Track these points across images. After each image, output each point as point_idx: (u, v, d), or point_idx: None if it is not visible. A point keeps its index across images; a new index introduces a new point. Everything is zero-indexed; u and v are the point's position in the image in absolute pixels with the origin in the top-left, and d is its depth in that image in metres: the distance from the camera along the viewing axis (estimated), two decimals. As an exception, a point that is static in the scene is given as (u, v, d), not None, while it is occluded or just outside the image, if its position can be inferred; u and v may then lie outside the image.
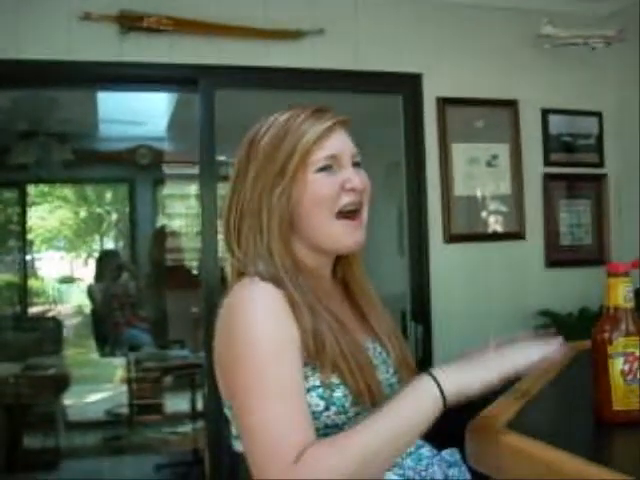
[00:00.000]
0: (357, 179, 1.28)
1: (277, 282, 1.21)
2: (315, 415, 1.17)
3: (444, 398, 1.12)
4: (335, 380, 1.19)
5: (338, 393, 1.19)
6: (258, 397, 1.12)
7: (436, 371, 1.15)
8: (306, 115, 1.29)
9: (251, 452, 1.12)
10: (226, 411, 1.30)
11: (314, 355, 1.18)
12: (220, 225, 1.36)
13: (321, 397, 1.19)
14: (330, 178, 1.27)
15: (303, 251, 1.31)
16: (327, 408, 1.19)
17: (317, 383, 1.19)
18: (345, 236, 1.28)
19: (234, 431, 1.28)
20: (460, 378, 1.14)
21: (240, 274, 1.28)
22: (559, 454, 1.03)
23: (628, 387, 1.16)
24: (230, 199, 1.32)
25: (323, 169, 1.26)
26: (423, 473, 1.27)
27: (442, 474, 1.29)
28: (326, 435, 1.17)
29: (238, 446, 1.27)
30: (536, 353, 1.18)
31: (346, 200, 1.27)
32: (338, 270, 1.40)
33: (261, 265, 1.24)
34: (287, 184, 1.25)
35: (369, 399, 1.21)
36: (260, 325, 1.16)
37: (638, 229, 3.52)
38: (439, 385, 1.13)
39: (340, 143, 1.29)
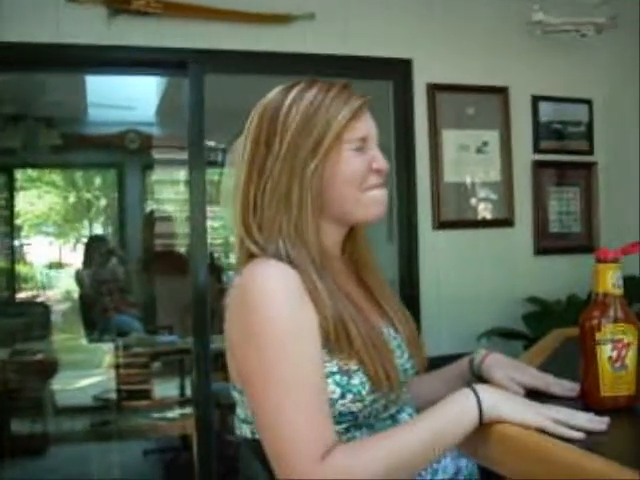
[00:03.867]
0: (383, 160, 1.31)
1: (297, 265, 1.19)
2: (330, 403, 1.15)
3: (481, 416, 1.11)
4: (354, 366, 1.18)
5: (355, 380, 1.18)
6: (279, 387, 1.10)
7: (479, 387, 1.15)
8: (335, 92, 1.27)
9: (274, 446, 1.10)
10: (234, 394, 1.28)
11: (334, 341, 1.17)
12: (233, 205, 1.32)
13: (338, 384, 1.17)
14: (360, 157, 1.28)
15: (323, 229, 1.29)
16: (343, 396, 1.17)
17: (335, 369, 1.17)
18: (374, 205, 1.31)
19: (241, 414, 1.26)
20: (503, 406, 1.11)
21: (251, 256, 1.25)
22: (548, 441, 1.03)
23: (616, 374, 1.16)
24: (247, 179, 1.28)
25: (355, 149, 1.27)
26: (435, 465, 1.27)
27: (454, 465, 1.30)
28: (339, 423, 1.16)
29: (245, 430, 1.25)
30: (583, 423, 1.08)
31: (373, 180, 1.30)
32: (346, 247, 1.39)
33: (284, 247, 1.21)
34: (320, 161, 1.24)
35: (387, 386, 1.20)
36: (279, 308, 1.13)
37: (626, 217, 3.54)
38: (480, 403, 1.11)
39: (369, 124, 1.32)
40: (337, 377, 1.17)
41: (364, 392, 1.18)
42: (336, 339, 1.17)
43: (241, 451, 1.29)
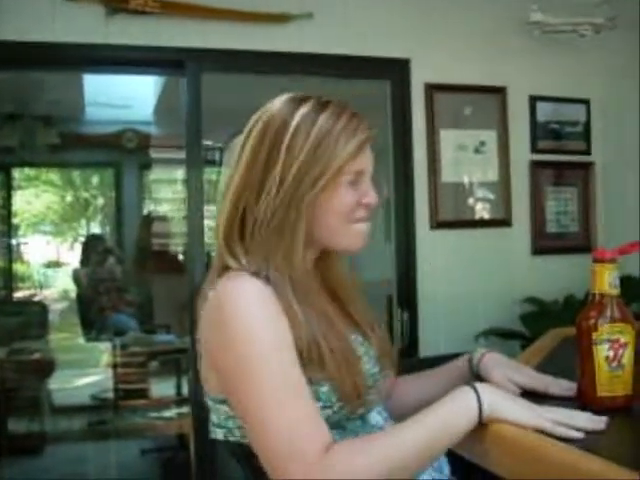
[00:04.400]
0: (374, 195, 1.31)
1: (274, 285, 1.20)
2: None
3: (481, 414, 1.11)
4: (321, 375, 1.18)
5: (324, 388, 1.19)
6: (272, 390, 1.10)
7: (480, 386, 1.15)
8: (345, 121, 1.26)
9: (268, 450, 1.10)
10: (208, 402, 1.29)
11: (307, 360, 1.17)
12: (216, 212, 1.33)
13: None
14: (352, 191, 1.28)
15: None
16: None
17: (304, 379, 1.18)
18: (357, 237, 1.32)
19: (215, 419, 1.28)
20: (503, 406, 1.12)
21: (225, 268, 1.26)
22: (545, 442, 1.03)
23: (612, 373, 1.17)
24: (239, 190, 1.27)
25: (350, 182, 1.27)
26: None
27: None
28: None
29: (218, 434, 1.27)
30: (582, 423, 1.08)
31: (361, 214, 1.31)
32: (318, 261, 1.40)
33: (265, 268, 1.22)
34: (316, 193, 1.24)
35: (355, 398, 1.21)
36: (256, 317, 1.15)
37: (624, 217, 3.54)
38: (480, 402, 1.11)
39: (368, 159, 1.32)
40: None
41: (333, 399, 1.20)
42: (309, 358, 1.18)
43: (218, 451, 1.31)
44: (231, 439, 1.24)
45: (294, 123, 1.25)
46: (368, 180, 1.32)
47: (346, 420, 1.24)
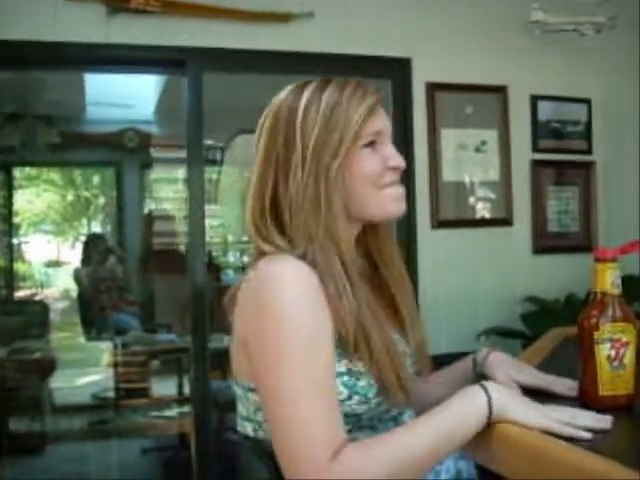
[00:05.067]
0: (398, 157, 1.30)
1: (322, 269, 1.17)
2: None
3: (490, 414, 1.10)
4: (361, 369, 1.17)
5: (363, 382, 1.18)
6: (292, 386, 1.09)
7: (489, 385, 1.14)
8: (351, 90, 1.26)
9: (284, 446, 1.09)
10: (237, 390, 1.27)
11: (353, 346, 1.16)
12: (244, 204, 1.30)
13: (345, 385, 1.17)
14: (375, 155, 1.27)
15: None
16: (350, 397, 1.17)
17: (343, 370, 1.17)
18: (392, 202, 1.30)
19: (243, 411, 1.26)
20: (511, 404, 1.11)
21: (262, 254, 1.24)
22: (550, 442, 1.03)
23: (614, 373, 1.16)
24: (261, 178, 1.26)
25: (369, 144, 1.26)
26: (437, 467, 1.27)
27: (455, 467, 1.30)
28: (346, 425, 1.15)
29: (247, 428, 1.25)
30: (588, 422, 1.08)
31: (389, 179, 1.29)
32: (362, 246, 1.38)
33: (312, 251, 1.19)
34: (342, 161, 1.22)
35: (397, 392, 1.20)
36: (294, 307, 1.12)
37: (625, 216, 3.54)
38: (489, 399, 1.11)
39: (384, 119, 1.30)
40: (345, 378, 1.17)
41: (370, 395, 1.18)
42: (355, 344, 1.16)
43: (241, 448, 1.29)
44: (259, 435, 1.21)
45: (302, 104, 1.25)
46: (389, 142, 1.30)
47: (379, 420, 1.23)
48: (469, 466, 1.34)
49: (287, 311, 1.11)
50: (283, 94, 1.30)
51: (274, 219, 1.25)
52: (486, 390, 1.12)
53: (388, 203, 1.29)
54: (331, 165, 1.22)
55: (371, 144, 1.27)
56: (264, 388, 1.13)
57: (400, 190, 1.31)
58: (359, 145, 1.25)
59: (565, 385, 1.27)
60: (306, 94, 1.26)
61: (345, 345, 1.16)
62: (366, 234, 1.37)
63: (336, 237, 1.21)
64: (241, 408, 1.27)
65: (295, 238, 1.22)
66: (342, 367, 1.17)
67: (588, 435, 1.04)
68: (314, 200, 1.21)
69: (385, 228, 1.40)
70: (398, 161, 1.29)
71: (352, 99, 1.25)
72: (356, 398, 1.17)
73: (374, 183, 1.27)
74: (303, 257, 1.18)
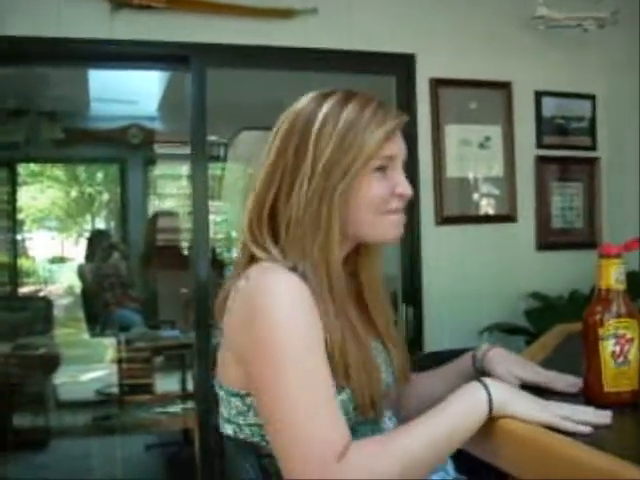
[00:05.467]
0: (407, 185, 1.29)
1: (310, 283, 1.18)
2: None
3: (491, 410, 1.11)
4: (341, 383, 1.18)
5: (343, 396, 1.18)
6: (296, 392, 1.09)
7: (489, 381, 1.14)
8: (372, 111, 1.24)
9: (288, 448, 1.09)
10: (220, 393, 1.28)
11: (331, 360, 1.16)
12: (244, 206, 1.30)
13: None
14: (383, 181, 1.26)
15: None
16: None
17: None
18: (390, 229, 1.29)
19: (225, 413, 1.26)
20: (512, 402, 1.11)
21: (252, 259, 1.25)
22: (552, 437, 1.03)
23: (618, 369, 1.16)
24: (266, 184, 1.26)
25: (379, 169, 1.25)
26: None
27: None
28: None
29: (227, 429, 1.26)
30: (588, 417, 1.09)
31: (394, 205, 1.28)
32: (352, 262, 1.38)
33: (302, 265, 1.20)
34: (348, 183, 1.22)
35: (369, 404, 1.20)
36: (290, 313, 1.12)
37: (629, 213, 3.53)
38: (489, 395, 1.11)
39: (398, 145, 1.29)
40: None
41: (350, 407, 1.19)
42: (333, 364, 1.16)
43: (225, 447, 1.30)
44: (240, 436, 1.23)
45: (320, 116, 1.23)
46: (400, 169, 1.29)
47: (357, 425, 1.23)
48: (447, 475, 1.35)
49: (283, 314, 1.12)
50: (303, 101, 1.29)
51: (270, 227, 1.26)
52: (485, 386, 1.12)
53: (387, 229, 1.29)
54: (338, 185, 1.21)
55: (381, 169, 1.26)
56: (264, 390, 1.13)
57: (401, 217, 1.31)
58: (369, 169, 1.24)
59: (567, 382, 1.27)
60: (326, 106, 1.25)
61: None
62: (359, 251, 1.38)
63: (329, 256, 1.22)
64: (223, 410, 1.27)
65: (288, 250, 1.22)
66: None
67: (588, 430, 1.04)
68: (315, 217, 1.22)
69: (377, 254, 1.40)
70: (406, 189, 1.28)
71: (371, 122, 1.23)
72: None
73: (378, 208, 1.26)
74: (294, 269, 1.19)
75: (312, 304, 1.15)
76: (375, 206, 1.26)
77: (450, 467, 1.34)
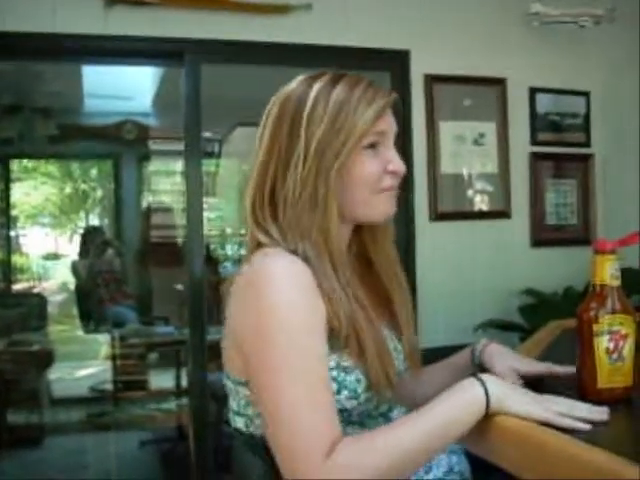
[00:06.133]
0: (399, 162, 1.28)
1: (313, 263, 1.18)
2: None
3: (488, 406, 1.10)
4: (351, 363, 1.17)
5: (352, 377, 1.17)
6: (288, 381, 1.08)
7: (485, 377, 1.14)
8: (361, 90, 1.25)
9: (280, 442, 1.09)
10: (228, 384, 1.27)
11: (344, 340, 1.16)
12: (244, 193, 1.29)
13: (335, 379, 1.16)
14: (375, 158, 1.26)
15: None
16: (339, 392, 1.17)
17: (333, 364, 1.17)
18: (380, 206, 1.29)
19: (234, 406, 1.25)
20: (509, 398, 1.10)
21: (259, 245, 1.24)
22: (549, 434, 1.03)
23: (613, 365, 1.16)
24: (263, 168, 1.26)
25: (370, 146, 1.25)
26: (429, 462, 1.26)
27: (447, 462, 1.30)
28: None
29: (238, 423, 1.25)
30: (585, 414, 1.08)
31: (388, 183, 1.27)
32: (357, 244, 1.38)
33: (302, 246, 1.19)
34: (343, 162, 1.22)
35: (385, 388, 1.20)
36: (289, 299, 1.12)
37: (623, 209, 3.54)
38: (487, 394, 1.10)
39: (390, 121, 1.29)
40: (334, 372, 1.16)
41: (359, 390, 1.18)
42: (346, 339, 1.16)
43: (235, 443, 1.29)
44: (251, 429, 1.21)
45: (311, 98, 1.23)
46: (391, 145, 1.29)
47: (367, 416, 1.23)
48: (461, 460, 1.34)
49: (281, 300, 1.11)
50: (293, 84, 1.29)
51: (271, 210, 1.25)
52: (482, 382, 1.11)
53: (381, 208, 1.29)
54: (332, 164, 1.21)
55: (373, 146, 1.25)
56: (259, 380, 1.13)
57: (394, 194, 1.30)
58: (361, 146, 1.24)
59: (566, 369, 1.27)
60: (316, 88, 1.25)
61: (335, 340, 1.16)
62: (363, 233, 1.37)
63: (329, 236, 1.21)
64: (232, 402, 1.26)
65: (288, 232, 1.22)
66: (331, 362, 1.16)
67: (586, 426, 1.04)
68: (311, 197, 1.21)
69: (384, 229, 1.38)
70: (399, 166, 1.28)
71: (361, 101, 1.23)
72: (345, 393, 1.17)
73: (371, 187, 1.26)
74: (295, 252, 1.19)
75: (313, 287, 1.15)
76: (370, 185, 1.25)
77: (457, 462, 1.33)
